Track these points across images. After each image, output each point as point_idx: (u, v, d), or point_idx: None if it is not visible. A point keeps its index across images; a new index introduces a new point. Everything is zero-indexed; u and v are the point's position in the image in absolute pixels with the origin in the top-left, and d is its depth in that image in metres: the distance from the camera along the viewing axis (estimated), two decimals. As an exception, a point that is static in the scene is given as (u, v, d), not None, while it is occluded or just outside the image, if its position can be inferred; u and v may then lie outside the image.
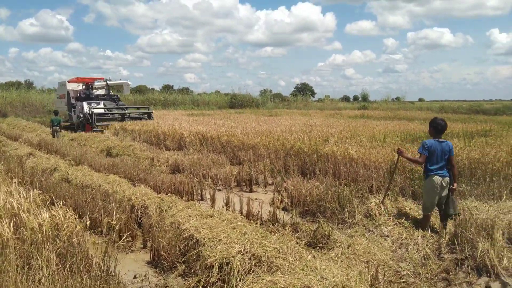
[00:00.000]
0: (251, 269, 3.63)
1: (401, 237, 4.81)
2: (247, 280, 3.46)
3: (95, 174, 7.96)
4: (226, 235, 4.15)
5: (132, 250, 4.95)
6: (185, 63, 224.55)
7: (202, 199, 7.09)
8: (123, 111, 20.29)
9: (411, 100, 56.44)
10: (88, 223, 4.59)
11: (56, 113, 19.43)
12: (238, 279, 3.52)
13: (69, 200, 5.81)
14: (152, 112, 21.71)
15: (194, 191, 7.19)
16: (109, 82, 23.25)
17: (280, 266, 3.63)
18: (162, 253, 4.38)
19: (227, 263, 3.70)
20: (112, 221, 4.95)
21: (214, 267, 3.73)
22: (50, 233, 3.77)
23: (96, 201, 5.81)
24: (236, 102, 44.57)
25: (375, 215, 5.46)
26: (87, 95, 21.27)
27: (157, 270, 4.37)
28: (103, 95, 22.44)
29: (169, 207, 5.60)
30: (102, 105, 20.82)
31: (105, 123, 18.43)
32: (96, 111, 18.84)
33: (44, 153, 11.39)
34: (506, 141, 9.98)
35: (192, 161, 9.21)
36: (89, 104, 19.67)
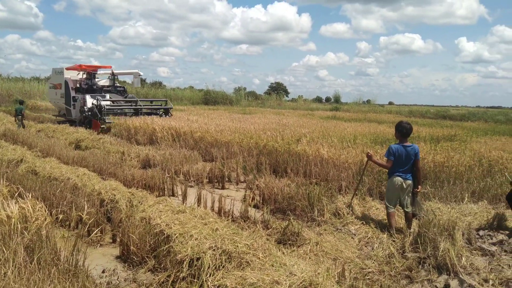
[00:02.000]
0: (221, 265, 3.67)
1: (368, 236, 4.98)
2: (217, 275, 3.51)
3: (63, 166, 7.79)
4: (198, 231, 4.18)
5: (101, 245, 4.89)
6: (159, 57, 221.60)
7: (173, 195, 7.06)
8: (137, 106, 17.62)
9: (381, 103, 57.84)
10: (59, 216, 4.51)
11: (21, 102, 18.40)
12: (208, 275, 3.56)
13: (36, 193, 5.67)
14: (171, 107, 19.19)
15: (166, 186, 7.15)
16: (115, 71, 19.84)
17: (250, 262, 3.69)
18: (132, 248, 4.36)
19: (198, 259, 3.73)
20: (83, 215, 4.88)
21: (185, 263, 3.74)
22: (19, 226, 3.69)
23: (64, 194, 5.69)
24: (210, 99, 44.28)
25: (343, 214, 5.62)
26: (90, 86, 18.29)
27: (126, 265, 4.34)
28: (108, 86, 19.44)
29: (139, 202, 5.56)
30: (108, 97, 17.82)
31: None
32: (105, 103, 16.04)
33: (9, 143, 11.02)
34: (469, 146, 10.41)
35: (164, 157, 9.15)
36: (93, 97, 16.76)
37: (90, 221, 4.87)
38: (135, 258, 4.34)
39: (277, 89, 75.58)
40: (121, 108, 17.21)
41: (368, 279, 3.83)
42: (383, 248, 4.56)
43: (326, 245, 4.58)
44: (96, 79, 19.14)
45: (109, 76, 19.77)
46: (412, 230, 4.89)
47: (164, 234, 4.32)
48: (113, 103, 17.43)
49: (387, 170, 5.45)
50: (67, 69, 18.77)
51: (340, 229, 5.28)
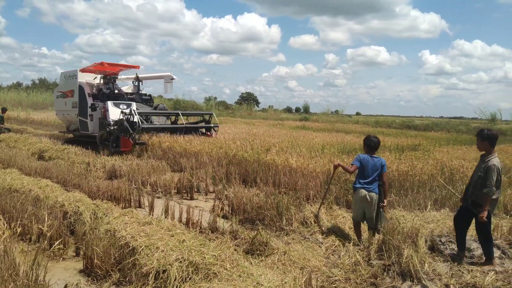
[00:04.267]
0: (188, 277, 3.63)
1: (334, 244, 5.04)
2: (183, 287, 3.46)
3: (25, 178, 7.50)
4: (164, 242, 4.11)
5: (63, 258, 4.73)
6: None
7: (140, 207, 6.93)
8: (178, 121, 14.07)
9: (348, 114, 58.95)
10: (17, 229, 4.33)
11: (3, 110, 16.57)
12: (175, 287, 3.51)
13: (-5, 206, 5.43)
14: (217, 126, 14.72)
15: (132, 198, 7.01)
16: (141, 75, 15.72)
17: (217, 273, 3.67)
18: (95, 261, 4.23)
19: (164, 271, 3.67)
20: (43, 227, 4.71)
21: (151, 275, 3.68)
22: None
23: (25, 206, 5.48)
24: (179, 108, 43.83)
25: (311, 223, 5.68)
26: (112, 92, 14.62)
27: (90, 278, 4.21)
28: (131, 93, 15.58)
29: (104, 214, 5.42)
30: (133, 106, 13.36)
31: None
32: (137, 115, 11.92)
33: (-34, 154, 10.53)
34: (432, 156, 10.78)
35: (130, 167, 8.98)
36: (116, 105, 13.10)
37: (51, 234, 4.71)
38: (99, 272, 4.22)
39: (248, 99, 75.88)
40: (159, 124, 13.80)
41: (335, 287, 3.88)
42: (349, 256, 4.63)
43: (293, 254, 4.61)
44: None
45: (133, 81, 15.71)
46: (377, 237, 4.97)
47: (129, 246, 4.23)
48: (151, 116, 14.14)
49: (354, 179, 5.53)
50: (82, 70, 14.84)
51: (307, 238, 5.34)
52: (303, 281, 3.64)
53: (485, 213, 4.47)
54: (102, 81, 14.81)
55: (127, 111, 12.24)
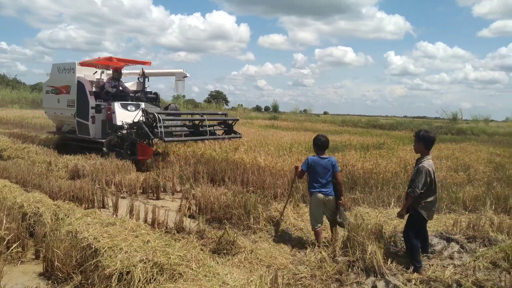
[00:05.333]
0: (153, 278, 3.56)
1: (301, 242, 5.09)
2: (148, 288, 3.39)
3: (-20, 179, 7.16)
4: (128, 243, 4.02)
5: (22, 262, 4.54)
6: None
7: (104, 207, 6.75)
8: (200, 123, 12.16)
9: (317, 113, 59.67)
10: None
11: None
12: (139, 288, 3.44)
13: None
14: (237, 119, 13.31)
15: (96, 198, 6.82)
16: (147, 71, 13.59)
17: (183, 273, 3.62)
18: (56, 263, 4.09)
19: (128, 272, 3.59)
20: (0, 230, 4.50)
21: (114, 277, 3.59)
22: None
23: (-20, 208, 5.22)
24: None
25: (278, 221, 5.70)
26: (118, 91, 12.52)
27: (50, 282, 4.06)
28: (136, 91, 13.43)
29: (66, 215, 5.24)
30: (143, 106, 11.65)
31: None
32: (161, 117, 10.13)
33: None
34: (396, 154, 11.08)
35: (94, 167, 8.74)
36: (124, 106, 11.41)
37: (9, 237, 4.51)
38: (60, 275, 4.08)
39: (217, 98, 75.53)
40: (180, 127, 12.12)
41: (301, 284, 3.91)
42: (315, 253, 4.69)
43: (260, 253, 4.62)
44: None
45: (138, 78, 13.71)
46: (342, 234, 4.99)
47: (92, 248, 4.11)
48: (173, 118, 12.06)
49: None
50: (82, 64, 12.54)
51: (274, 236, 5.36)
52: (269, 279, 3.66)
53: (403, 211, 4.52)
54: (102, 77, 12.79)
55: (150, 112, 10.23)
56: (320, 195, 4.97)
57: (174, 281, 3.50)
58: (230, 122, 12.83)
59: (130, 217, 5.74)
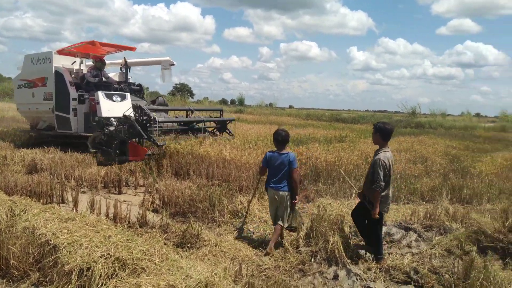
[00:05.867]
0: (114, 273, 3.49)
1: (265, 233, 5.14)
2: (109, 284, 3.32)
3: None
4: (88, 239, 3.92)
5: (-27, 261, 4.32)
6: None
7: (63, 202, 6.53)
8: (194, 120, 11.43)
9: (282, 107, 60.27)
10: None
11: None
12: (100, 284, 3.36)
13: None
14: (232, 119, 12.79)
15: (54, 193, 6.58)
16: (130, 61, 12.67)
17: (145, 268, 3.57)
18: (12, 261, 3.92)
19: (88, 268, 3.50)
20: None
21: (74, 273, 3.48)
22: None
23: None
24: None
25: (243, 214, 5.73)
26: (100, 80, 11.65)
27: (5, 281, 3.89)
28: (118, 82, 12.45)
29: (23, 210, 5.02)
30: (128, 99, 10.92)
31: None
32: (158, 119, 9.49)
33: None
34: (358, 147, 11.37)
35: (53, 161, 8.43)
36: (109, 96, 10.51)
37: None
38: (16, 273, 3.91)
39: (182, 90, 74.48)
40: (174, 123, 11.21)
41: (264, 275, 3.95)
42: (279, 245, 4.74)
43: (225, 245, 4.63)
44: None
45: (120, 68, 12.79)
46: (306, 225, 4.98)
47: (50, 244, 3.97)
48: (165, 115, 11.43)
49: None
50: (60, 52, 11.53)
51: (239, 228, 5.38)
52: (233, 271, 3.67)
53: (377, 210, 4.33)
54: (81, 67, 11.96)
55: (146, 112, 9.33)
56: (272, 191, 4.84)
57: (136, 276, 3.44)
58: (226, 121, 12.24)
59: (90, 212, 5.58)
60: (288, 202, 4.83)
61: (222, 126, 12.21)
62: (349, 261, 4.41)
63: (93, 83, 11.35)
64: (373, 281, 4.07)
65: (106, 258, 3.57)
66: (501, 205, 6.19)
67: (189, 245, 4.57)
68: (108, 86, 11.50)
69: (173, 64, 13.49)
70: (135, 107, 9.53)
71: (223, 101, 73.49)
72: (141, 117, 9.31)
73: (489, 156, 13.72)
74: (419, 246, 5.06)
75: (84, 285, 3.42)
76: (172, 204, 6.25)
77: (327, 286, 3.94)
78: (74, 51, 11.57)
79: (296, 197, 4.89)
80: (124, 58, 12.49)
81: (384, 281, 4.11)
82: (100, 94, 10.35)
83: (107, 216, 5.52)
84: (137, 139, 9.25)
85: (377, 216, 4.35)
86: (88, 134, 10.45)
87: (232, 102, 72.99)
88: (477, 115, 65.11)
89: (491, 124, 41.99)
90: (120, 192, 7.43)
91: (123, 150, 9.12)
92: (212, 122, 12.14)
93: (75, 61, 11.85)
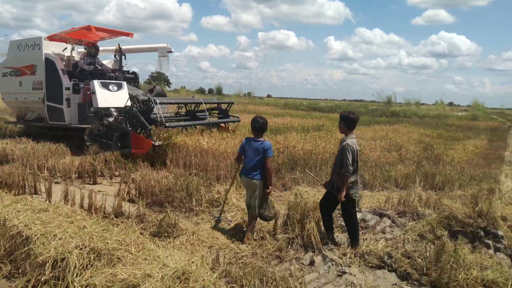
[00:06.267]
0: (89, 264, 3.44)
1: (243, 221, 5.16)
2: (84, 275, 3.28)
3: None
4: (62, 230, 3.85)
5: None
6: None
7: (36, 193, 6.37)
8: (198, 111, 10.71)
9: (260, 96, 60.25)
10: None
11: None
12: (75, 275, 3.31)
13: None
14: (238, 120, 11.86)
15: (27, 184, 6.42)
16: (124, 48, 11.86)
17: (122, 257, 3.53)
18: (-19, 254, 3.82)
19: (63, 259, 3.44)
20: None
21: (47, 264, 3.42)
22: None
23: None
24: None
25: (221, 203, 5.73)
26: (95, 68, 10.94)
27: (-26, 274, 3.79)
28: (113, 70, 11.70)
29: (-8, 202, 4.89)
30: (125, 88, 10.39)
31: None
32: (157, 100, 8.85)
33: None
34: (334, 135, 11.50)
35: (25, 151, 8.20)
36: (105, 85, 9.88)
37: None
38: (-14, 266, 3.82)
39: (158, 79, 73.28)
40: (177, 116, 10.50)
41: (242, 262, 3.98)
42: (256, 232, 4.78)
43: (202, 234, 4.64)
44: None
45: (115, 55, 11.91)
46: (284, 212, 4.99)
47: (22, 235, 3.88)
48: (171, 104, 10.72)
49: None
50: (51, 38, 10.78)
51: (217, 217, 5.38)
52: (210, 259, 3.68)
53: (342, 194, 4.36)
54: (72, 54, 11.23)
55: (142, 99, 8.69)
56: (244, 178, 4.79)
57: (112, 266, 3.40)
58: (225, 106, 11.47)
59: (65, 203, 5.47)
60: (260, 191, 4.72)
61: (224, 115, 11.39)
62: (325, 247, 4.49)
63: (88, 71, 10.64)
64: (348, 266, 4.15)
65: (81, 248, 3.52)
66: (472, 191, 6.40)
67: (166, 234, 4.55)
68: (103, 75, 10.88)
69: (171, 51, 12.79)
70: (133, 98, 8.83)
71: (201, 90, 72.87)
72: (141, 106, 8.65)
73: (461, 144, 14.11)
74: (393, 231, 5.19)
75: (58, 276, 3.36)
76: (148, 194, 6.19)
77: (303, 272, 3.99)
78: (66, 37, 10.82)
79: (270, 186, 4.75)
80: (118, 44, 11.73)
81: (359, 266, 4.20)
82: (96, 83, 9.73)
83: (81, 206, 5.43)
84: (142, 131, 8.57)
85: (343, 199, 4.39)
86: (83, 126, 9.90)
87: (210, 91, 72.46)
88: (450, 104, 66.88)
89: (464, 113, 43.13)
90: (95, 183, 7.31)
91: (125, 143, 8.56)
92: (215, 115, 11.42)
93: (66, 48, 11.08)
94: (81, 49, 11.72)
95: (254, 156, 4.68)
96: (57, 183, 6.98)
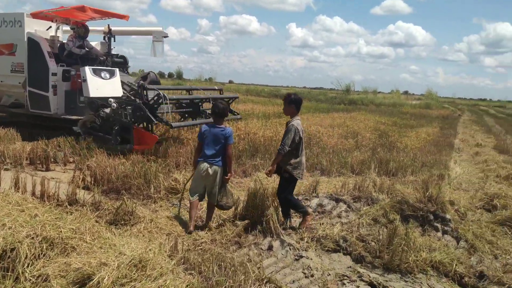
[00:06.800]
0: (42, 253, 3.33)
1: (203, 208, 5.15)
2: (36, 265, 3.17)
3: None
4: (12, 218, 3.66)
5: None
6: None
7: (-17, 181, 6.04)
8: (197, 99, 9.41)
9: (222, 82, 59.77)
10: None
11: None
12: (26, 265, 3.19)
13: None
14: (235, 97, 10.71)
15: (-28, 171, 6.07)
16: (115, 29, 10.62)
17: (76, 246, 3.45)
18: None
19: (12, 249, 3.30)
20: None
21: (-4, 256, 3.28)
22: None
23: None
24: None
25: (180, 189, 5.68)
26: (87, 53, 9.73)
27: None
28: (104, 54, 10.40)
29: None
30: (117, 75, 9.33)
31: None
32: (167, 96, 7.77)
33: None
34: (294, 122, 11.65)
35: (-30, 136, 7.73)
36: (97, 73, 8.83)
37: None
38: None
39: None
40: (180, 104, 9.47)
41: (201, 249, 3.99)
42: (216, 219, 4.80)
43: (161, 221, 4.60)
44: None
45: (104, 37, 10.65)
46: (243, 198, 4.97)
47: (-33, 226, 3.68)
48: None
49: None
50: (35, 16, 9.55)
51: (176, 204, 5.35)
52: (168, 246, 3.66)
53: (271, 169, 4.64)
54: (56, 33, 9.96)
55: (151, 89, 7.72)
56: (205, 164, 4.60)
57: (66, 255, 3.31)
58: (227, 100, 10.02)
59: (15, 191, 5.23)
60: (220, 178, 4.66)
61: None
62: (283, 232, 4.58)
63: (79, 55, 9.46)
64: (305, 250, 4.26)
65: (33, 238, 3.39)
66: (423, 177, 6.72)
67: (123, 222, 4.46)
68: (94, 60, 9.69)
69: (166, 36, 11.68)
70: (141, 87, 7.78)
71: (161, 75, 71.21)
72: (147, 97, 7.64)
73: (414, 131, 14.73)
74: (348, 216, 5.36)
75: (8, 267, 3.23)
76: (104, 181, 6.03)
77: (261, 256, 4.06)
78: (52, 15, 9.56)
79: (229, 174, 4.73)
80: (108, 25, 10.47)
81: (315, 250, 4.33)
82: (88, 70, 8.65)
83: (33, 194, 5.21)
84: (144, 124, 7.84)
85: (270, 175, 4.68)
86: (71, 117, 8.91)
87: (170, 75, 71.05)
88: (406, 92, 69.37)
89: (418, 101, 44.92)
90: (47, 169, 7.02)
91: (126, 137, 7.74)
92: (210, 104, 9.92)
93: (50, 27, 9.81)
94: (66, 28, 10.50)
95: (215, 143, 4.59)
96: (6, 169, 6.64)
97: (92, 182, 6.07)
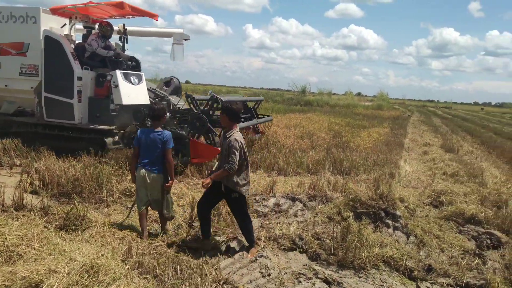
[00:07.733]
0: (-16, 263, 3.15)
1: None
2: (-22, 275, 2.99)
3: None
4: (-50, 226, 3.46)
5: None
6: None
7: None
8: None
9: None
10: None
11: None
12: (-34, 276, 3.00)
13: None
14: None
15: None
16: (130, 29, 9.63)
17: (23, 254, 3.29)
18: None
19: (-50, 260, 3.10)
20: None
21: None
22: None
23: None
24: None
25: (134, 193, 5.54)
26: (116, 55, 8.59)
27: None
28: (131, 58, 9.13)
29: None
30: (144, 80, 8.74)
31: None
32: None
33: None
34: (251, 123, 11.69)
35: None
36: (127, 77, 8.10)
37: None
38: None
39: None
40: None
41: (156, 252, 3.91)
42: (172, 222, 4.73)
43: (114, 225, 4.46)
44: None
45: (120, 37, 9.43)
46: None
47: None
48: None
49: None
50: (55, 11, 8.40)
51: (129, 207, 5.21)
52: (122, 251, 3.57)
53: (209, 182, 3.95)
54: (70, 31, 8.87)
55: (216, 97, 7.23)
56: (143, 171, 4.27)
57: (12, 264, 3.15)
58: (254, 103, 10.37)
59: (-46, 197, 4.90)
60: (162, 186, 4.35)
61: (251, 114, 9.96)
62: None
63: (107, 57, 8.37)
64: (262, 250, 4.29)
65: (-26, 247, 3.20)
66: (374, 175, 6.95)
67: (74, 227, 4.30)
68: (120, 63, 8.44)
69: (187, 39, 10.61)
70: (189, 98, 7.47)
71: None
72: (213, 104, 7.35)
73: (367, 131, 15.22)
74: (304, 214, 5.46)
75: None
76: (54, 184, 5.78)
77: (218, 258, 4.05)
78: (73, 11, 8.46)
79: (170, 181, 4.38)
80: (123, 24, 9.38)
81: (272, 249, 4.38)
82: (119, 74, 7.89)
83: (-25, 200, 4.91)
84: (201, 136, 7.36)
85: (205, 185, 3.94)
86: (100, 127, 7.86)
87: (124, 76, 69.09)
88: (359, 94, 71.68)
89: (370, 103, 46.49)
90: (-9, 173, 6.63)
91: (184, 151, 7.03)
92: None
93: (65, 24, 8.73)
94: (79, 26, 9.50)
95: (153, 148, 4.25)
96: None
97: (41, 186, 5.80)
